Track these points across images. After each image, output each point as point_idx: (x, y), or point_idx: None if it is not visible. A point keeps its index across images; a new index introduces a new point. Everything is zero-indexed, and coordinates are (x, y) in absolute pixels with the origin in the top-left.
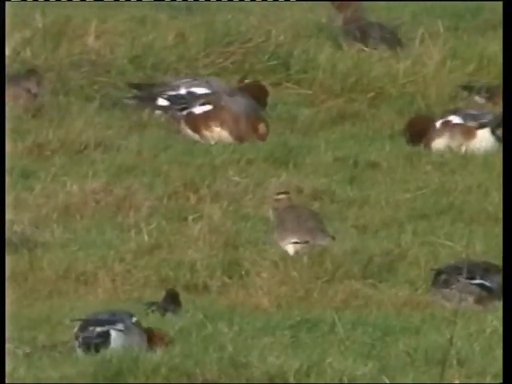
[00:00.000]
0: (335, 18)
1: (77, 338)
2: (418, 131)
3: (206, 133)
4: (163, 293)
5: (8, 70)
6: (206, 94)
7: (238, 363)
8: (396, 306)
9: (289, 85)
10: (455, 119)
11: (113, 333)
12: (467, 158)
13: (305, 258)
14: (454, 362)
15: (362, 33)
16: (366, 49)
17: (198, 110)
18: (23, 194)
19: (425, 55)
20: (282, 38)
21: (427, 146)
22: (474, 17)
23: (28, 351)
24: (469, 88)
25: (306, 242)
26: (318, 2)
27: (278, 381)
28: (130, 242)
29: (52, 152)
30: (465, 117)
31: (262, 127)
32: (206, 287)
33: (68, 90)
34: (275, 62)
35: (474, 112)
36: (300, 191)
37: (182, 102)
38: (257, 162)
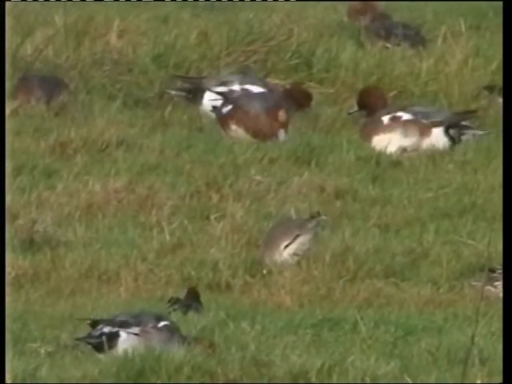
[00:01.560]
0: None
1: (86, 336)
2: (369, 103)
3: (229, 132)
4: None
5: (30, 68)
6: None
7: (261, 362)
8: (418, 305)
9: (311, 84)
10: (405, 115)
11: (123, 335)
12: (490, 157)
13: (327, 257)
14: (476, 361)
15: (385, 31)
16: (388, 45)
17: (224, 109)
18: (45, 192)
19: (447, 54)
20: (304, 36)
21: (374, 139)
22: (496, 15)
23: (50, 350)
24: (491, 87)
25: None
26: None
27: (300, 379)
28: (153, 241)
29: (74, 151)
30: (415, 114)
31: (281, 114)
32: (228, 286)
33: (90, 88)
34: (297, 61)
35: (425, 110)
36: (322, 190)
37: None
38: (279, 160)
